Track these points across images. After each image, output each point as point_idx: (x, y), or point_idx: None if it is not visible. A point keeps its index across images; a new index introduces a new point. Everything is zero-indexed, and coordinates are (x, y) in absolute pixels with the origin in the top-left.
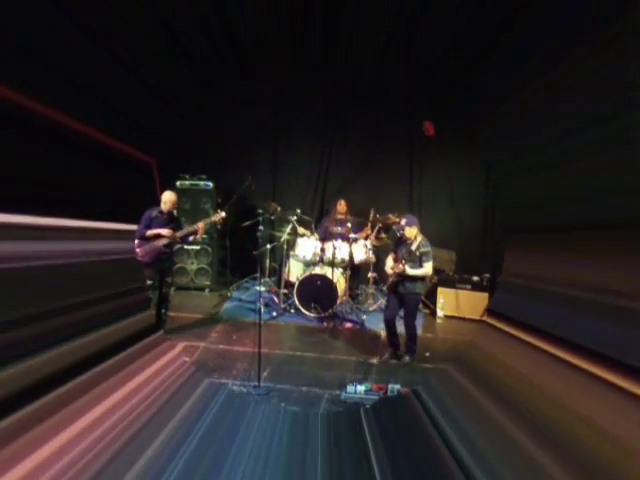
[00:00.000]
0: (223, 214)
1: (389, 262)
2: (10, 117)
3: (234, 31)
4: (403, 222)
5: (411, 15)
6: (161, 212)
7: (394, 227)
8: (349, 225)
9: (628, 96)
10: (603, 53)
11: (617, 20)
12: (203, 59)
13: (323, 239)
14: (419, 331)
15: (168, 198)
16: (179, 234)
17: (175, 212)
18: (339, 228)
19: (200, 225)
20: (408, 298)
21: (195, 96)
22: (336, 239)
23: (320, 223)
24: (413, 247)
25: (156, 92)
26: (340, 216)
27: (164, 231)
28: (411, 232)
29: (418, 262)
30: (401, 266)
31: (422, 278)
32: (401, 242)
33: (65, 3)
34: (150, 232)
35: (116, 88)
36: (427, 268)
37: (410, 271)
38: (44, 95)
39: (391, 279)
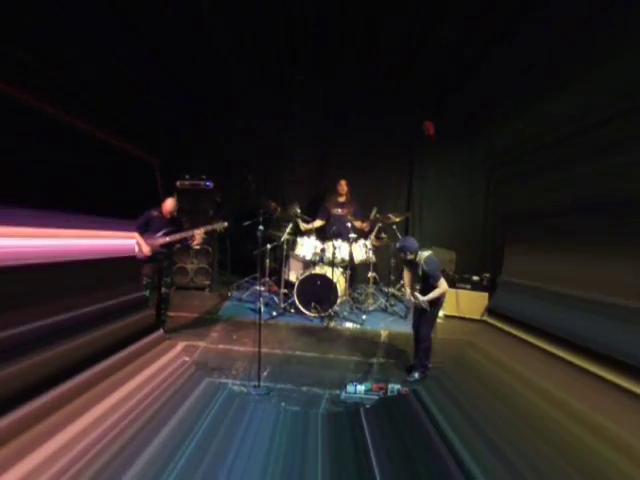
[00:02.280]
0: (225, 224)
1: (407, 288)
2: (9, 112)
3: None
4: (398, 246)
5: (411, 16)
6: (161, 213)
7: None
8: (349, 207)
9: (627, 102)
10: (603, 59)
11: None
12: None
13: (326, 221)
14: None
15: (168, 204)
16: (169, 239)
17: (176, 214)
18: (339, 210)
19: (198, 232)
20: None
21: (196, 96)
22: (338, 223)
23: (322, 206)
24: (420, 271)
25: (158, 93)
26: (341, 198)
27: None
28: (412, 257)
29: (431, 282)
30: (421, 299)
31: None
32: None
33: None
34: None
35: (117, 88)
36: (442, 286)
37: (430, 297)
38: (45, 92)
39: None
